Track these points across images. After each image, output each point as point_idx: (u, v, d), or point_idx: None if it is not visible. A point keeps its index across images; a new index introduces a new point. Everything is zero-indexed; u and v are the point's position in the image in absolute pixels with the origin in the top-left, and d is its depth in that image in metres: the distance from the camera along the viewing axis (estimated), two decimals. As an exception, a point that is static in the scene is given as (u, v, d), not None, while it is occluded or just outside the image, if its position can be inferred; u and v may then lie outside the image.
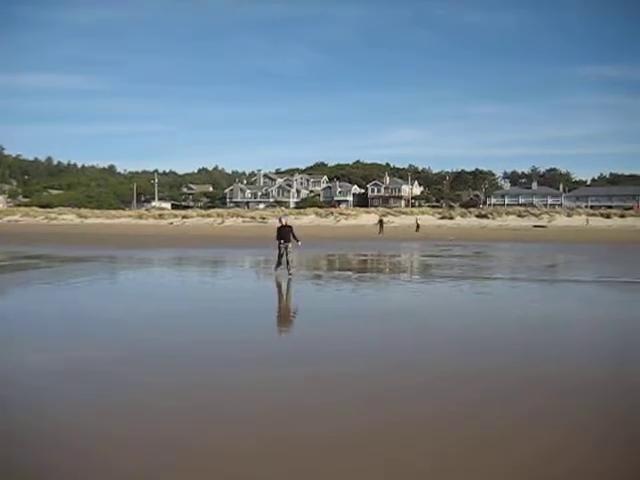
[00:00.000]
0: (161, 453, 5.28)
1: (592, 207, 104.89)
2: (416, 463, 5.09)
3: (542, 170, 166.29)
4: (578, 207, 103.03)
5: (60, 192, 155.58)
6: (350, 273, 22.59)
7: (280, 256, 19.77)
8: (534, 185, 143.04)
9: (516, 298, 16.02)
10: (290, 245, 19.67)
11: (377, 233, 58.42)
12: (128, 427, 5.94)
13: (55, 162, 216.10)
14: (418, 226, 63.54)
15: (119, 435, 5.70)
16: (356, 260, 30.17)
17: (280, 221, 20.73)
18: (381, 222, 63.27)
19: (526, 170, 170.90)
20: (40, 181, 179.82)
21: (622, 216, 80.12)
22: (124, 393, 7.11)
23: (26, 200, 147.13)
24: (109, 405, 6.63)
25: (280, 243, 19.81)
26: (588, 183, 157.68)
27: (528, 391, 7.26)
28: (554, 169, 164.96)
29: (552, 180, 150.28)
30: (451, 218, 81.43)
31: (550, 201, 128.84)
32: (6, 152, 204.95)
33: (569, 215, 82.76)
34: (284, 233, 19.82)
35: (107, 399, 6.85)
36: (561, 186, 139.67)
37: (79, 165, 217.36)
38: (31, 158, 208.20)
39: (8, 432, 5.92)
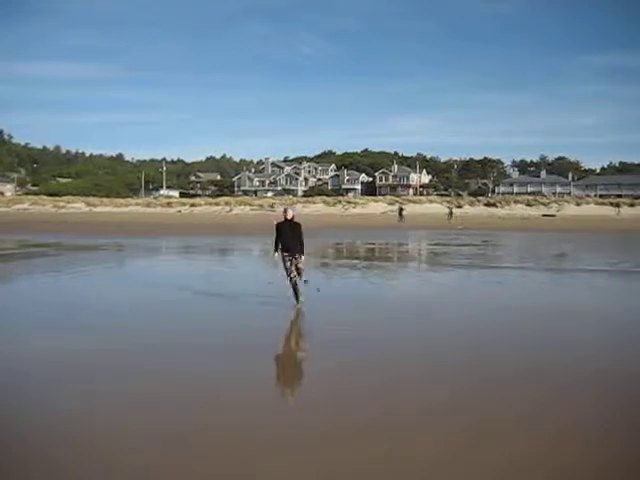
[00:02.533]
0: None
1: (601, 196, 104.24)
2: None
3: (551, 159, 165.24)
4: (587, 196, 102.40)
5: (69, 180, 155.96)
6: (357, 262, 22.56)
7: (288, 272, 12.05)
8: (543, 174, 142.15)
9: (526, 287, 15.98)
10: (302, 260, 12.13)
11: (397, 221, 58.03)
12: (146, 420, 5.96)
13: (64, 150, 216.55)
14: (451, 214, 62.85)
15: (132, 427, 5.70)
16: (370, 248, 30.12)
17: (285, 214, 12.41)
18: (401, 210, 62.78)
19: (535, 159, 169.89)
20: (49, 169, 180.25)
21: (632, 205, 79.56)
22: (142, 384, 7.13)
23: (35, 188, 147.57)
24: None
25: (285, 256, 12.11)
26: (597, 172, 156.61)
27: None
28: (563, 158, 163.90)
29: (561, 169, 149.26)
30: (459, 207, 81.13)
31: (559, 190, 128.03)
32: (14, 140, 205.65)
33: (578, 204, 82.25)
34: (289, 236, 12.11)
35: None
36: (570, 175, 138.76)
37: (87, 153, 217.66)
38: (40, 146, 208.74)
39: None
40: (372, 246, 31.53)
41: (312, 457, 5.01)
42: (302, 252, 12.02)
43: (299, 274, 12.05)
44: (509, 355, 8.44)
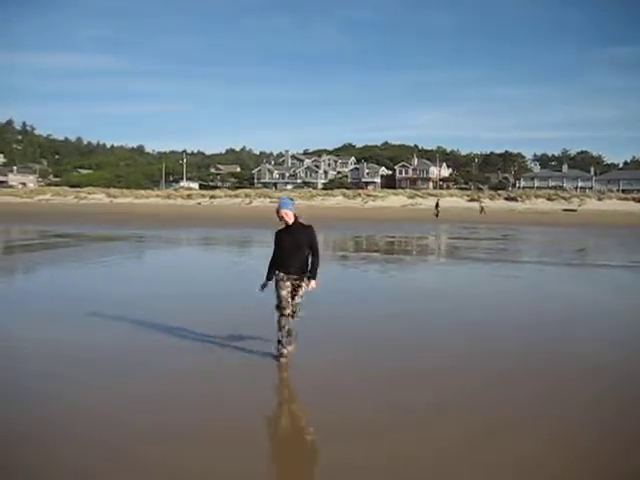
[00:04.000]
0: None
1: (624, 191, 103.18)
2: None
3: (573, 153, 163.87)
4: (609, 191, 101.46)
5: (90, 172, 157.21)
6: (378, 255, 22.58)
7: (282, 305, 7.61)
8: (564, 168, 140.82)
9: (544, 281, 15.93)
10: (311, 285, 7.68)
11: (435, 216, 55.73)
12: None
13: (85, 142, 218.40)
14: (482, 209, 62.94)
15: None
16: (389, 242, 30.11)
17: (280, 214, 7.73)
18: (437, 205, 60.36)
19: (557, 153, 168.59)
20: (70, 161, 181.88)
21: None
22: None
23: (56, 179, 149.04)
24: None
25: (281, 277, 7.69)
26: (620, 166, 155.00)
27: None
28: (585, 152, 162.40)
29: (583, 163, 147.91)
30: (478, 201, 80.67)
31: (581, 184, 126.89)
32: (37, 132, 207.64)
33: (600, 199, 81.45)
34: (290, 247, 7.71)
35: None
36: (592, 169, 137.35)
37: (108, 145, 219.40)
38: (61, 138, 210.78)
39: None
40: (392, 239, 31.50)
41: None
42: (314, 274, 7.54)
43: (294, 301, 7.56)
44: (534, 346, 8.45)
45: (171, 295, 12.48)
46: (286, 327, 7.48)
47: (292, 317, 7.55)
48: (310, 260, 7.59)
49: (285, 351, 7.55)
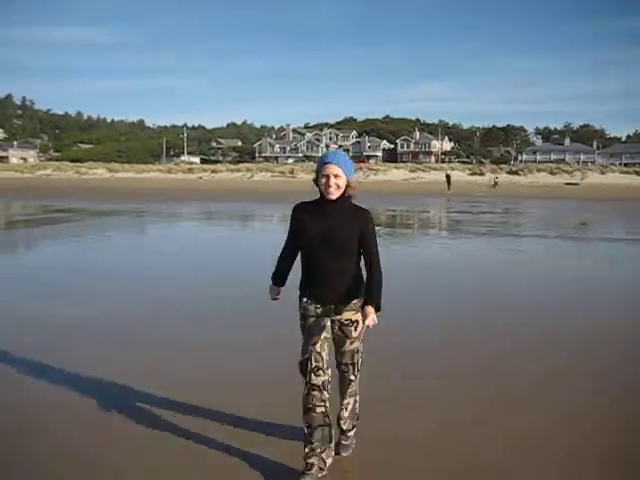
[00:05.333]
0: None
1: (626, 164, 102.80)
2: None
3: (575, 126, 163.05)
4: (612, 164, 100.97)
5: (90, 146, 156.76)
6: (380, 228, 22.59)
7: (310, 368, 3.93)
8: (567, 141, 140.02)
9: (543, 254, 15.96)
10: (360, 321, 3.97)
11: (446, 190, 53.94)
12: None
13: (85, 117, 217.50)
14: (496, 183, 62.68)
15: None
16: (391, 215, 30.09)
17: (325, 173, 3.92)
18: (448, 178, 57.69)
19: (559, 126, 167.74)
20: (70, 135, 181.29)
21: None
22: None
23: (57, 154, 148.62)
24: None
25: (312, 309, 4.01)
26: (623, 140, 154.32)
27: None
28: (588, 125, 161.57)
29: (585, 137, 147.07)
30: (481, 174, 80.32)
31: (583, 158, 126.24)
32: (36, 107, 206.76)
33: (602, 172, 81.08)
34: (331, 242, 3.92)
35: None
36: (595, 143, 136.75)
37: (109, 119, 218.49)
38: (61, 112, 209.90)
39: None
40: (393, 213, 31.47)
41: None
42: (374, 297, 3.95)
43: (346, 369, 4.19)
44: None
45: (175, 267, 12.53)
46: (322, 415, 3.94)
47: (348, 383, 4.18)
48: (366, 272, 4.02)
49: (318, 463, 3.94)
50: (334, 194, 3.91)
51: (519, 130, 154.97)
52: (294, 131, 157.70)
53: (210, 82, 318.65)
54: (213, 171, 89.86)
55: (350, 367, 4.12)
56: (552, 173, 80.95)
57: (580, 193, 53.54)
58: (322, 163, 3.93)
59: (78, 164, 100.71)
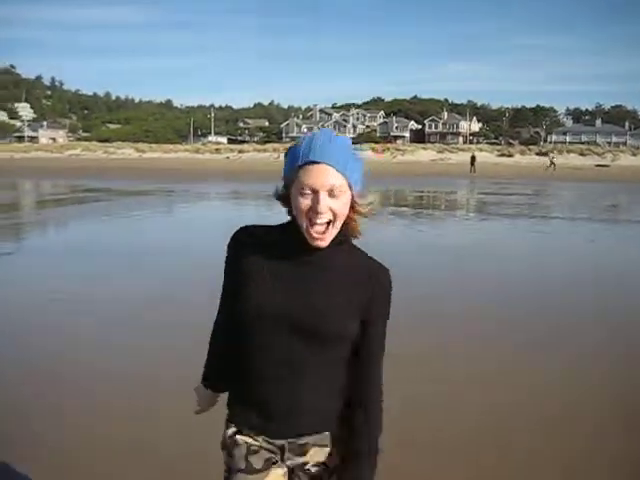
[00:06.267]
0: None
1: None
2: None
3: (607, 107, 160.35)
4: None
5: (118, 126, 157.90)
6: (406, 209, 22.49)
7: None
8: (598, 122, 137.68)
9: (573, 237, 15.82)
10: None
11: (470, 172, 52.95)
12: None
13: (113, 97, 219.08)
14: (552, 164, 59.10)
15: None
16: (418, 196, 29.93)
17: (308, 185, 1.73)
18: (473, 159, 56.29)
19: (590, 107, 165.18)
20: (99, 116, 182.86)
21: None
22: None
23: (86, 134, 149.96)
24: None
25: (245, 442, 1.85)
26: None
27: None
28: (620, 106, 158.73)
29: (617, 118, 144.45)
30: (510, 156, 79.52)
31: (614, 139, 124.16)
32: (66, 87, 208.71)
33: (634, 154, 79.73)
34: (300, 325, 1.75)
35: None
36: (627, 124, 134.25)
37: (137, 100, 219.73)
38: (90, 93, 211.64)
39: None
40: (420, 194, 31.30)
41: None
42: (365, 454, 1.81)
43: None
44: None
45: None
46: None
47: None
48: (354, 396, 1.86)
49: None
50: (326, 237, 1.77)
51: (549, 111, 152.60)
52: (321, 111, 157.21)
53: (238, 61, 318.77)
54: (240, 151, 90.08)
55: None
56: (582, 154, 79.86)
57: (611, 175, 52.71)
58: (301, 162, 1.83)
59: (107, 144, 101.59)
